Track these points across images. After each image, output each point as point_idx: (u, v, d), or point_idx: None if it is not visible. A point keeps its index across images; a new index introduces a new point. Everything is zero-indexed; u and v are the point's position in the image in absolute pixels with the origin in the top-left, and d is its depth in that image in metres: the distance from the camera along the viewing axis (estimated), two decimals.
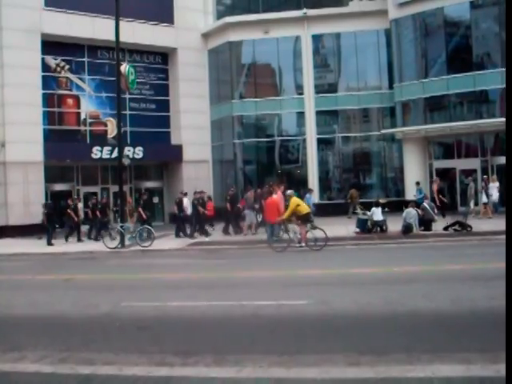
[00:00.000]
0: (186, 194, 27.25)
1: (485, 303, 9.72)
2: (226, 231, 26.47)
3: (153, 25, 36.56)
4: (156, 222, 33.48)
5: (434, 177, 30.76)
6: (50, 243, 25.46)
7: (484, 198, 28.91)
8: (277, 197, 22.89)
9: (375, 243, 21.09)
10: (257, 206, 26.37)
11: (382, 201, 25.52)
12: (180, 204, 26.62)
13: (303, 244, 20.14)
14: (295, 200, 20.69)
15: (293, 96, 37.14)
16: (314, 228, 20.32)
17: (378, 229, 23.48)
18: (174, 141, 38.18)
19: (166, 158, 38.32)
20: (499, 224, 24.02)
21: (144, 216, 25.91)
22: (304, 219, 20.36)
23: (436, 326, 8.56)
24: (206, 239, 24.74)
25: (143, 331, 9.03)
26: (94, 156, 33.77)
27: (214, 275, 15.24)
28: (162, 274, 16.03)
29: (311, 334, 8.44)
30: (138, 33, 35.14)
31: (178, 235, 26.34)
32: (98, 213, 26.93)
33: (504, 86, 30.58)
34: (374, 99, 36.08)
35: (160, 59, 38.54)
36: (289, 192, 22.58)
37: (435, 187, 28.17)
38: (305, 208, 20.53)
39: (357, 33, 35.82)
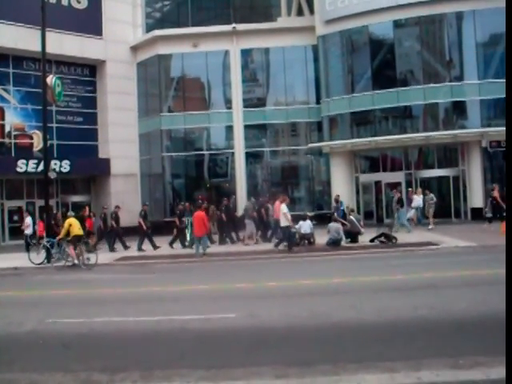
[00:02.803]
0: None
1: (409, 313, 9.97)
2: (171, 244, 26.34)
3: (81, 36, 36.14)
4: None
5: (494, 184, 30.60)
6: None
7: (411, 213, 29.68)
8: (275, 207, 23.87)
9: (303, 256, 21.30)
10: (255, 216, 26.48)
11: (309, 214, 25.83)
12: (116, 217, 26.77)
13: (76, 262, 21.01)
14: (69, 220, 21.57)
15: (221, 110, 37.30)
16: (90, 250, 21.82)
17: (306, 242, 23.73)
18: (101, 154, 37.73)
19: (93, 172, 37.80)
20: (423, 236, 24.81)
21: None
22: (74, 240, 21.06)
23: (362, 336, 8.70)
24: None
25: (69, 348, 8.85)
26: (19, 169, 32.93)
27: (142, 290, 15.09)
28: (88, 290, 15.76)
29: (239, 347, 8.46)
30: (65, 44, 34.66)
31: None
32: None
33: (426, 101, 31.74)
34: (301, 114, 36.62)
35: (88, 71, 38.09)
36: (68, 213, 24.07)
37: (496, 194, 27.96)
38: (76, 230, 21.16)
39: (285, 48, 36.32)
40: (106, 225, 27.04)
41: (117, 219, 26.78)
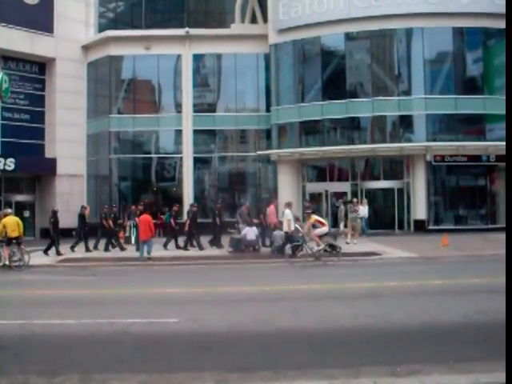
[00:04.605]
0: None
1: (350, 321, 10.13)
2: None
3: (31, 32, 35.51)
4: (26, 236, 32.17)
5: None
6: (47, 252, 24.58)
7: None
8: (270, 212, 24.68)
9: (247, 262, 21.36)
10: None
11: (255, 221, 25.89)
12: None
13: (6, 263, 20.65)
14: (3, 221, 21.05)
15: (171, 114, 37.19)
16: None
17: (251, 248, 23.80)
18: (48, 154, 37.13)
19: (39, 171, 37.14)
20: (367, 246, 25.18)
21: None
22: (8, 241, 20.78)
23: (303, 343, 8.80)
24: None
25: (6, 351, 8.66)
26: None
27: (84, 292, 14.93)
28: (29, 291, 15.46)
29: (181, 351, 8.46)
30: (14, 39, 34.16)
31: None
32: None
33: (374, 114, 32.30)
34: (251, 121, 36.80)
35: (37, 69, 37.43)
36: (5, 211, 23.58)
37: None
38: (9, 232, 20.69)
39: (237, 55, 36.50)
40: (107, 224, 26.54)
41: (115, 219, 26.81)
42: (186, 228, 25.50)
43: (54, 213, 25.41)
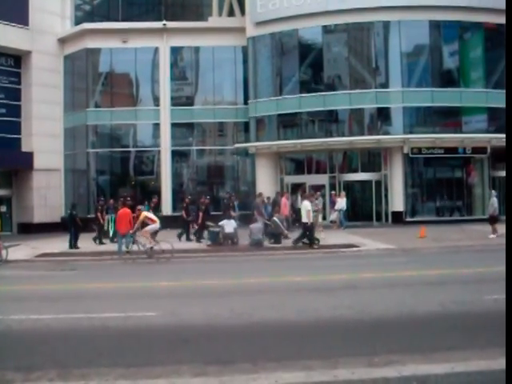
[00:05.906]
0: None
1: (328, 313, 10.18)
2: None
3: (5, 25, 35.00)
4: (3, 232, 31.83)
5: None
6: (76, 246, 24.47)
7: (333, 216, 30.42)
8: (282, 203, 25.35)
9: (226, 255, 21.38)
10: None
11: (233, 214, 25.91)
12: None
13: None
14: None
15: (149, 107, 36.99)
16: None
17: (229, 241, 23.80)
18: (24, 148, 36.75)
19: (15, 166, 36.74)
20: (345, 238, 25.31)
21: None
22: None
23: (282, 335, 8.84)
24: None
25: None
26: None
27: (61, 287, 14.83)
28: (6, 286, 15.34)
29: (159, 345, 8.45)
30: None
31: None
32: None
33: (351, 106, 32.44)
34: (229, 114, 36.74)
35: (13, 62, 36.94)
36: None
37: None
38: None
39: (215, 48, 36.36)
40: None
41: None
42: (199, 221, 25.84)
43: (73, 206, 25.60)
